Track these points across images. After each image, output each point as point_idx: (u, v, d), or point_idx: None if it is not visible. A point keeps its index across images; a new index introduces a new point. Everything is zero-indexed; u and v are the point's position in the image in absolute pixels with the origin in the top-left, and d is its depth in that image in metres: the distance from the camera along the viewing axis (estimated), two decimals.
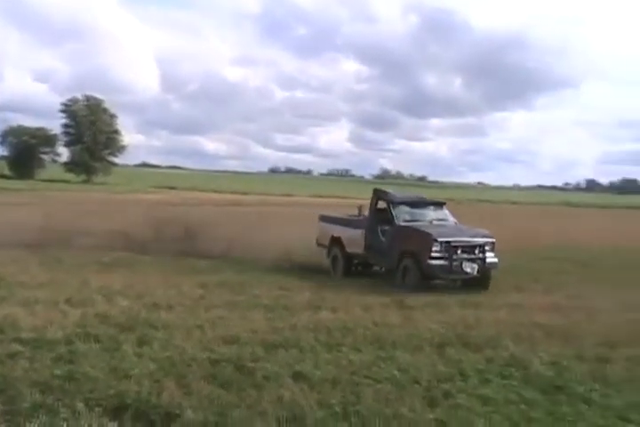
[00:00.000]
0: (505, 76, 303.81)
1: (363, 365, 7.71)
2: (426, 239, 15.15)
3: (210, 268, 17.13)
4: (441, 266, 14.97)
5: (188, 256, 19.12)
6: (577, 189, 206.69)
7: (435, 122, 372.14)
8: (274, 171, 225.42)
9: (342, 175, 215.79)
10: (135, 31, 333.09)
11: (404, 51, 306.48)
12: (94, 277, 13.90)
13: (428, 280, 15.34)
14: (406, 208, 16.96)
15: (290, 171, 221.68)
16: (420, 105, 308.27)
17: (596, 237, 29.76)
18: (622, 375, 7.59)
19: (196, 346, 8.35)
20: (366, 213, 18.15)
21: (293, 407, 6.18)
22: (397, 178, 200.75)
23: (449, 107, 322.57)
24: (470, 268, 15.10)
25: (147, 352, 7.99)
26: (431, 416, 6.09)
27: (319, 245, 19.35)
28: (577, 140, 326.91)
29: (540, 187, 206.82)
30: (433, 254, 14.93)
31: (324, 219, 19.71)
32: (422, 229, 15.82)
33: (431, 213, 17.24)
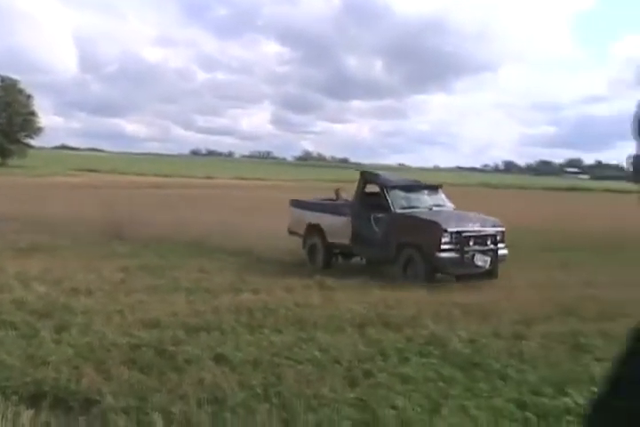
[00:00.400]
0: (425, 60, 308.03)
1: (284, 346, 7.72)
2: (434, 230, 13.69)
3: (131, 252, 16.81)
4: (451, 259, 13.57)
5: (110, 240, 18.77)
6: (495, 170, 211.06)
7: (356, 104, 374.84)
8: (195, 153, 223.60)
9: (264, 157, 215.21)
10: (53, 11, 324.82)
11: (326, 33, 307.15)
12: (10, 263, 13.52)
13: (435, 273, 13.96)
14: (402, 193, 15.41)
15: (211, 153, 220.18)
16: (342, 87, 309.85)
17: (516, 218, 30.37)
18: (537, 352, 7.78)
19: (115, 331, 8.21)
20: (345, 196, 17.00)
21: (214, 390, 6.16)
22: (319, 160, 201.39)
23: (370, 89, 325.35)
24: (482, 261, 13.71)
25: (65, 338, 7.84)
26: (352, 395, 6.13)
27: (292, 233, 17.37)
28: (495, 122, 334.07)
29: (460, 168, 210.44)
30: (443, 246, 13.54)
31: (297, 204, 17.71)
32: (428, 217, 14.37)
33: (428, 199, 15.74)
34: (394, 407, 5.86)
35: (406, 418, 5.62)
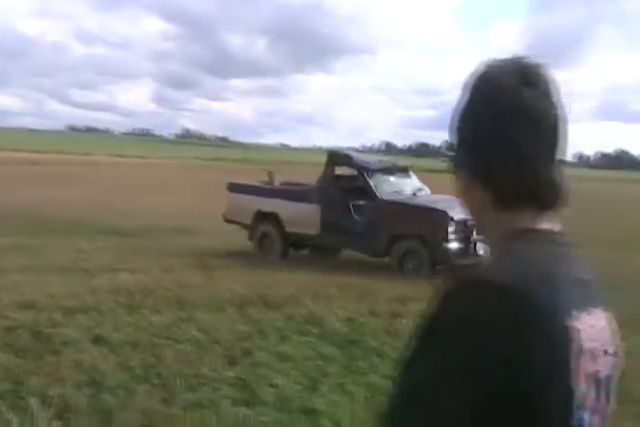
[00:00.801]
0: (306, 40, 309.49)
1: (163, 326, 7.68)
2: (439, 218, 12.60)
3: (4, 230, 16.27)
4: (457, 249, 12.71)
5: None
6: (374, 151, 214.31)
7: (237, 82, 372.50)
8: (73, 129, 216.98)
9: (144, 135, 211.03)
10: None
11: (209, 11, 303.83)
12: None
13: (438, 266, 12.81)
14: (384, 177, 14.21)
15: (89, 129, 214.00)
16: (224, 65, 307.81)
17: None
18: (412, 329, 8.03)
19: None
20: (279, 179, 16.22)
21: (93, 372, 6.07)
22: (200, 138, 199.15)
23: (251, 68, 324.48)
24: (484, 250, 12.41)
25: None
26: (231, 374, 6.20)
27: (230, 221, 15.76)
28: (375, 104, 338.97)
29: (339, 149, 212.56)
30: (450, 236, 12.57)
31: (239, 188, 15.88)
32: (430, 204, 13.20)
33: (409, 182, 14.74)
34: (273, 386, 5.96)
35: (285, 396, 5.73)
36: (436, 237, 12.58)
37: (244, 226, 15.34)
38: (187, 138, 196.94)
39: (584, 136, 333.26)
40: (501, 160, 1.26)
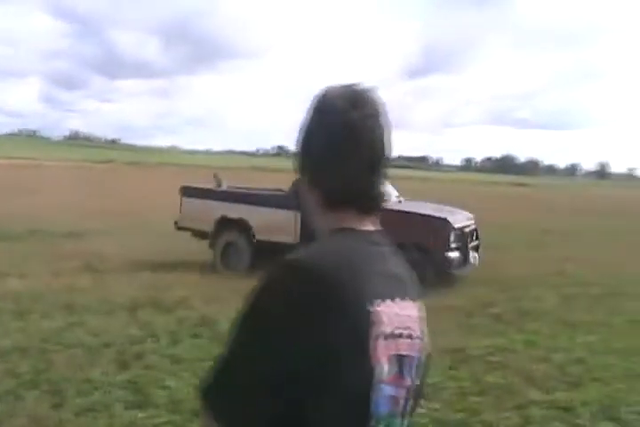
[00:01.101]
0: (197, 42, 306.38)
1: (53, 331, 7.60)
2: (441, 227, 12.12)
3: None
4: (457, 258, 12.12)
5: None
6: (267, 154, 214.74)
7: (128, 83, 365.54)
8: None
9: (30, 136, 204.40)
10: None
11: (100, 9, 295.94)
12: None
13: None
14: None
15: None
16: (114, 66, 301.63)
17: None
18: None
19: None
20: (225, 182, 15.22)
21: None
22: (89, 140, 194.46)
23: (142, 69, 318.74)
24: (474, 258, 12.51)
25: None
26: (123, 378, 6.22)
27: (183, 228, 14.46)
28: (270, 107, 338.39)
29: (232, 152, 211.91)
30: (451, 245, 12.08)
31: (196, 193, 14.63)
32: (431, 213, 12.67)
33: (391, 188, 13.23)
34: (165, 388, 6.03)
35: (178, 398, 5.80)
36: (439, 246, 11.94)
37: (201, 234, 14.22)
38: (76, 140, 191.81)
39: (473, 141, 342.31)
40: (328, 170, 1.50)
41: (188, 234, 14.38)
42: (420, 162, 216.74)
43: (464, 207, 14.51)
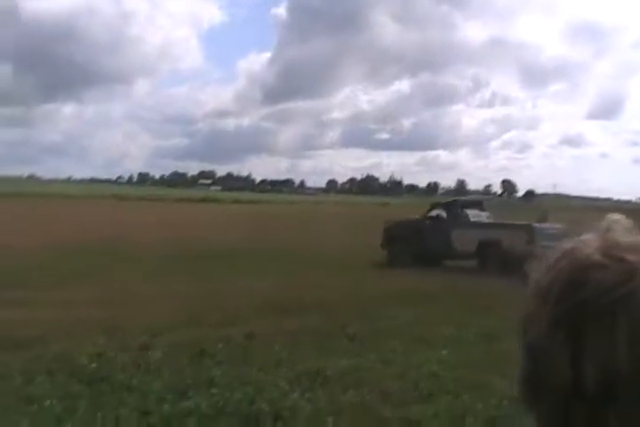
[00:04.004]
0: (56, 68, 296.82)
1: None
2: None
3: None
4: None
5: None
6: (129, 182, 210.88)
7: None
8: None
9: None
10: None
11: None
12: None
13: None
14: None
15: None
16: None
17: (148, 231, 31.15)
18: (162, 360, 8.20)
19: None
20: None
21: None
22: None
23: None
24: None
25: None
26: None
27: None
28: (129, 134, 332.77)
29: (94, 180, 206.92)
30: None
31: None
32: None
33: None
34: None
35: None
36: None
37: None
38: None
39: (335, 163, 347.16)
40: None
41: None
42: (285, 185, 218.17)
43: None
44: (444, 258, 21.77)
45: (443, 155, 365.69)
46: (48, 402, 6.60)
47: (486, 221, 22.57)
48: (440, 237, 21.01)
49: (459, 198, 25.16)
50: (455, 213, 22.06)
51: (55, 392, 6.92)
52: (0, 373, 7.53)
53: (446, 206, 22.88)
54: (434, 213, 22.47)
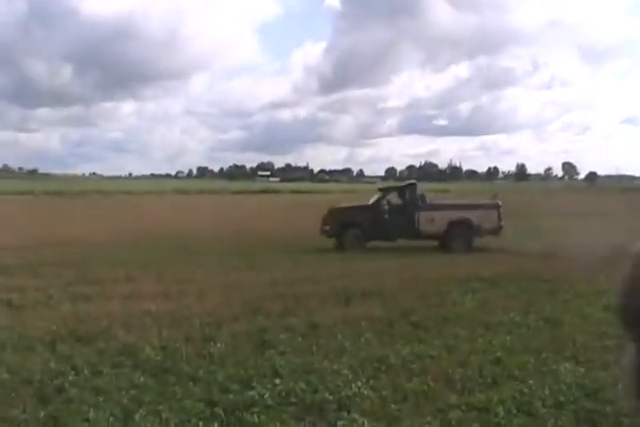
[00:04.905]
0: (114, 66, 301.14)
1: None
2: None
3: None
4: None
5: None
6: (189, 176, 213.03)
7: (43, 112, 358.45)
8: None
9: None
10: None
11: (8, 38, 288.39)
12: None
13: None
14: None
15: None
16: (28, 94, 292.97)
17: (204, 224, 31.50)
18: (225, 351, 8.25)
19: None
20: None
21: None
22: (5, 171, 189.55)
23: (57, 96, 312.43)
24: None
25: None
26: (43, 413, 6.15)
27: None
28: (187, 129, 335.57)
29: (154, 175, 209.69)
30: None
31: None
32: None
33: None
34: (87, 420, 5.98)
35: None
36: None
37: None
38: None
39: (394, 151, 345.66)
40: None
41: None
42: (343, 174, 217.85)
43: None
44: (412, 239, 22.89)
45: (502, 139, 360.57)
46: (115, 394, 6.73)
47: (457, 201, 25.83)
48: (406, 219, 22.37)
49: (412, 182, 25.46)
50: (416, 196, 23.15)
51: (122, 384, 7.04)
52: (69, 365, 7.67)
53: (402, 189, 23.86)
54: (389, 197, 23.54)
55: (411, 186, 23.94)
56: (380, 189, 25.26)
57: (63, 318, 10.24)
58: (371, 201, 23.75)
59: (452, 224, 22.33)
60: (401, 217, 22.35)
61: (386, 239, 22.59)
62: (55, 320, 10.01)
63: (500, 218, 22.47)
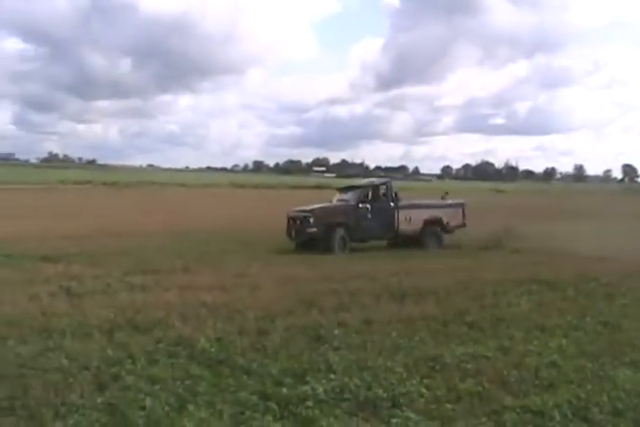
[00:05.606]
0: (171, 60, 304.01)
1: (30, 356, 7.63)
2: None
3: None
4: None
5: None
6: (245, 170, 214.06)
7: (102, 104, 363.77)
8: None
9: (6, 159, 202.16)
10: None
11: (69, 30, 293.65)
12: None
13: None
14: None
15: None
16: (87, 86, 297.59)
17: (259, 217, 31.66)
18: (279, 345, 8.28)
19: None
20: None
21: None
22: (65, 162, 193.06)
23: (116, 88, 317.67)
24: None
25: None
26: (101, 400, 6.26)
27: None
28: (243, 123, 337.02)
29: (210, 169, 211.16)
30: None
31: None
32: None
33: None
34: (143, 408, 6.06)
35: (155, 417, 5.84)
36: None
37: None
38: (52, 162, 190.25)
39: (449, 149, 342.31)
40: None
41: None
42: (399, 172, 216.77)
43: None
44: (391, 239, 23.23)
45: (559, 139, 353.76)
46: (170, 383, 6.81)
47: (429, 201, 25.51)
48: (386, 218, 22.55)
49: (387, 180, 25.33)
50: (393, 195, 23.10)
51: (177, 374, 7.11)
52: (125, 353, 7.79)
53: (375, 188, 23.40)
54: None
55: (387, 184, 23.67)
56: (339, 189, 25.00)
57: (121, 306, 10.42)
58: (334, 200, 23.63)
59: (427, 223, 23.22)
60: (382, 216, 22.35)
61: (366, 240, 22.64)
62: (113, 309, 10.20)
63: (464, 216, 24.05)
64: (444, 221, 23.53)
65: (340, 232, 21.59)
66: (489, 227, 22.99)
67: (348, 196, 23.38)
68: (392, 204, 22.72)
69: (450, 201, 24.97)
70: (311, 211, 22.11)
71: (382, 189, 23.19)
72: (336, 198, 23.76)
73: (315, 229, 21.56)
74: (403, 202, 23.17)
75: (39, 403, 6.13)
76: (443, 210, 24.03)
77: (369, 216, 22.05)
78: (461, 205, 24.54)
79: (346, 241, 21.68)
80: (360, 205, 22.15)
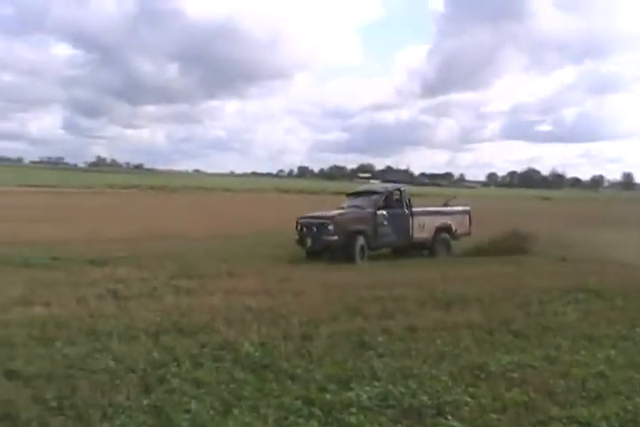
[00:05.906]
0: (219, 65, 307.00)
1: (78, 357, 7.74)
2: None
3: None
4: None
5: None
6: (290, 176, 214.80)
7: (150, 109, 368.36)
8: None
9: (55, 163, 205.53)
10: None
11: (118, 36, 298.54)
12: None
13: None
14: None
15: (1, 159, 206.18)
16: (135, 92, 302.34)
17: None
18: (323, 351, 8.28)
19: None
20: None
21: (6, 406, 6.11)
22: (113, 166, 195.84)
23: (163, 94, 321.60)
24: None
25: None
26: (146, 402, 6.32)
27: None
28: (289, 129, 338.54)
29: (255, 174, 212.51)
30: None
31: None
32: None
33: None
34: (188, 411, 6.11)
35: (200, 421, 5.89)
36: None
37: None
38: (99, 166, 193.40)
39: (495, 156, 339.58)
40: None
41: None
42: (444, 178, 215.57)
43: None
44: (405, 246, 22.61)
45: (607, 146, 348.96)
46: (215, 387, 6.86)
47: (437, 207, 24.49)
48: (402, 225, 21.96)
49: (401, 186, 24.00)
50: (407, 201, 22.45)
51: (222, 378, 7.16)
52: (171, 357, 7.87)
53: (389, 195, 22.38)
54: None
55: (400, 190, 22.77)
56: (349, 195, 24.20)
57: (167, 310, 10.52)
58: (344, 206, 22.67)
59: (438, 230, 22.85)
60: (397, 223, 21.80)
61: (381, 248, 22.15)
62: (159, 312, 10.31)
63: (470, 223, 23.88)
64: (453, 228, 23.30)
65: (361, 240, 20.45)
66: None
67: (360, 201, 22.53)
68: (407, 210, 22.11)
69: (459, 208, 24.54)
70: (331, 218, 20.83)
71: (396, 195, 22.39)
72: (346, 204, 22.88)
73: (335, 237, 20.16)
74: (416, 209, 22.54)
75: (87, 404, 6.21)
76: (452, 217, 23.68)
77: (385, 223, 21.36)
78: (467, 213, 24.16)
79: (364, 249, 20.63)
80: (378, 212, 21.33)
